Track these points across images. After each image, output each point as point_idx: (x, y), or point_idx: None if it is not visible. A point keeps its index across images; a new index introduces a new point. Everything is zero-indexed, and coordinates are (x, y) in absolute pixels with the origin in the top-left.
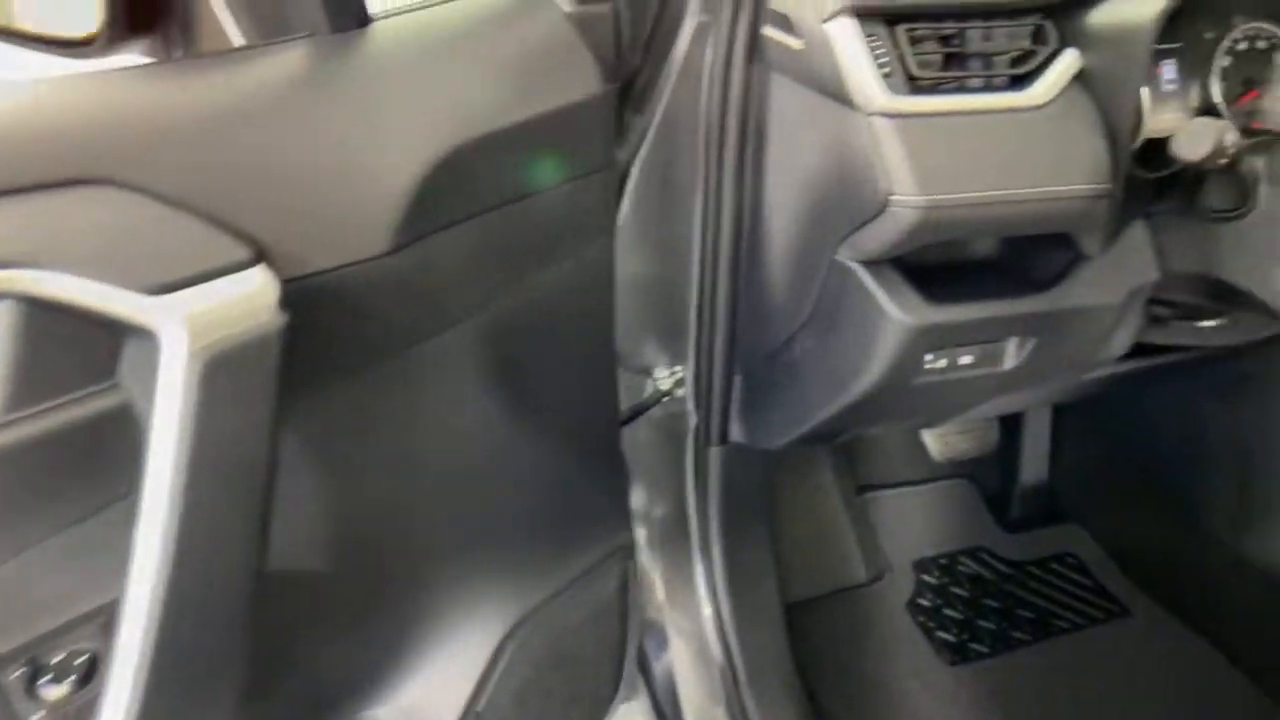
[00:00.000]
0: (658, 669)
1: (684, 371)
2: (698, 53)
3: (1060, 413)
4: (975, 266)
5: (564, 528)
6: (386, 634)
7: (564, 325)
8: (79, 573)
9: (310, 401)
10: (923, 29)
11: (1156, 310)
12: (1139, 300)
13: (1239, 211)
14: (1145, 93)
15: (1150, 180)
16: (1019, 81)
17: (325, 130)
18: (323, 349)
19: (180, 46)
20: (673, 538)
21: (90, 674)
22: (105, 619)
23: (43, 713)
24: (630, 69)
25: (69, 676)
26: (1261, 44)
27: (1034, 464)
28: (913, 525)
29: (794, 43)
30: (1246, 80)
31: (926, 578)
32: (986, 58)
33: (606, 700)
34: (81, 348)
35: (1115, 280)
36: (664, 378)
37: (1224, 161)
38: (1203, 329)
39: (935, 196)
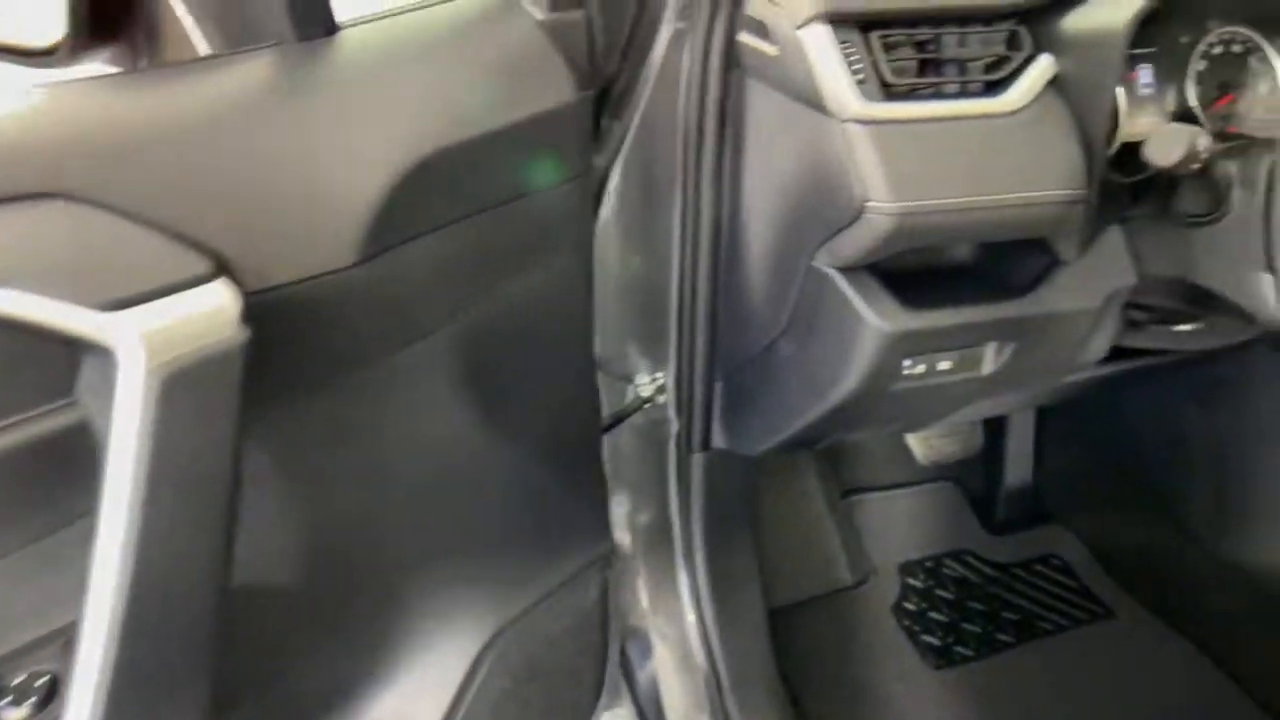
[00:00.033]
0: (641, 676)
1: (665, 378)
2: (675, 59)
3: (1044, 415)
4: (953, 271)
5: (542, 537)
6: (361, 646)
7: (540, 333)
8: (39, 593)
9: (278, 414)
10: (897, 35)
11: (1133, 314)
12: (1116, 304)
13: (1213, 216)
14: (1122, 97)
15: (1126, 185)
16: (993, 87)
17: (290, 140)
18: (290, 362)
19: (146, 55)
20: (656, 544)
21: (51, 695)
22: (66, 639)
23: None
24: (608, 75)
25: (29, 698)
26: (1236, 48)
27: (1018, 466)
28: (898, 528)
29: (769, 49)
30: (1222, 84)
31: (912, 581)
32: (961, 63)
33: (587, 711)
34: (38, 365)
35: (1092, 285)
36: (645, 384)
37: (1196, 167)
38: (1179, 333)
39: (910, 203)
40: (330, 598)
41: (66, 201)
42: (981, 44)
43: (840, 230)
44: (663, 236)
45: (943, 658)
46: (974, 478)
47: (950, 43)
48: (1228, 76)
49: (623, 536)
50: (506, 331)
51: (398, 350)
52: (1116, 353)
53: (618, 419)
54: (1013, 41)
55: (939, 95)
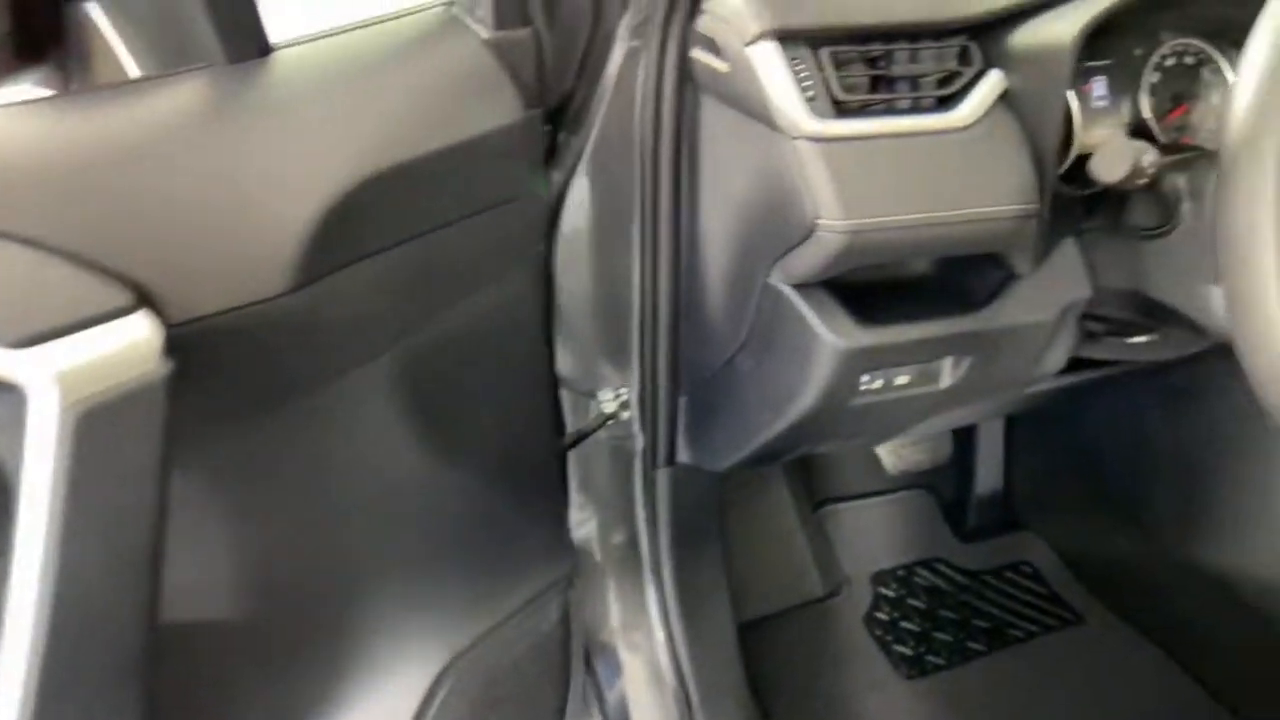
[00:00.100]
0: (611, 695)
1: (629, 393)
2: (630, 75)
3: (1013, 423)
4: (911, 285)
5: (500, 560)
6: (311, 678)
7: (493, 352)
8: None
9: (215, 444)
10: (848, 51)
11: (1090, 326)
12: (1072, 317)
13: (1164, 229)
14: (1077, 109)
15: (1080, 198)
16: (945, 103)
17: (219, 165)
18: (224, 391)
19: (77, 78)
20: (625, 561)
21: None
22: None
23: None
24: (564, 90)
25: None
26: (1189, 60)
27: (989, 473)
28: (870, 538)
29: (720, 66)
30: (1176, 95)
31: (884, 590)
32: (913, 80)
33: None
34: None
35: (1047, 298)
36: (608, 400)
37: (1143, 182)
38: (1134, 345)
39: (861, 220)
40: (277, 628)
41: None
42: (933, 60)
43: (793, 248)
44: (623, 251)
45: (914, 667)
46: (946, 485)
47: (902, 59)
48: (1181, 88)
49: (592, 553)
50: (457, 352)
51: (339, 376)
52: (1076, 363)
53: (581, 436)
54: (964, 57)
55: (891, 111)
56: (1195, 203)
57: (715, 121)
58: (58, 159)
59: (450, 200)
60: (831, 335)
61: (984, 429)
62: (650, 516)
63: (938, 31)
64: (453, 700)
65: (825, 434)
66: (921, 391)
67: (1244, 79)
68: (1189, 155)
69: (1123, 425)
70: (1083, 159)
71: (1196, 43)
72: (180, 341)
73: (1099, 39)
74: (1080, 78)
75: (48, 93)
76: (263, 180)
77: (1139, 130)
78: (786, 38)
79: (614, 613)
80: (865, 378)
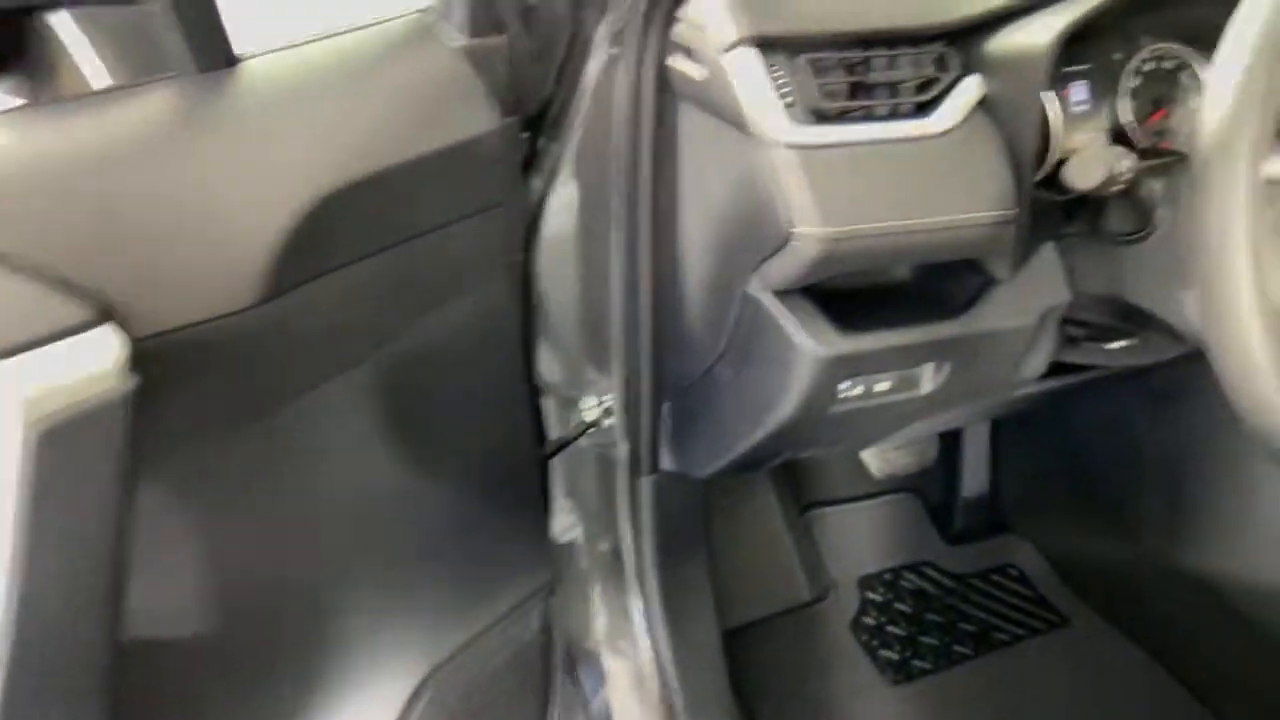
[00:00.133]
0: (594, 703)
1: (611, 401)
2: (608, 82)
3: (999, 425)
4: (891, 290)
5: (479, 569)
6: (286, 691)
7: (469, 362)
8: None
9: (187, 458)
10: (826, 58)
11: (1070, 330)
12: (1051, 322)
13: (1141, 234)
14: (1057, 114)
15: (1059, 203)
16: (923, 109)
17: (186, 176)
18: (193, 406)
19: (46, 88)
20: (610, 568)
21: None
22: None
23: None
24: (543, 96)
25: None
26: (1168, 64)
27: (975, 476)
28: (857, 541)
29: (697, 73)
30: (1156, 99)
31: (871, 595)
32: (892, 86)
33: None
34: None
35: (1027, 303)
36: (591, 407)
37: (1118, 189)
38: (1113, 350)
39: (838, 228)
40: (252, 642)
41: None
42: (912, 66)
43: (770, 256)
44: (603, 258)
45: (900, 672)
46: (933, 489)
47: (880, 65)
48: (1161, 92)
49: (577, 560)
50: (435, 361)
51: (313, 387)
52: (1058, 368)
53: (563, 443)
54: (941, 63)
55: (869, 118)
56: (1172, 208)
57: (693, 129)
58: (21, 170)
59: (425, 209)
60: (810, 342)
61: (970, 432)
62: (634, 524)
63: (916, 37)
64: (431, 712)
65: (806, 441)
66: (902, 398)
67: (1214, 84)
68: (1166, 160)
69: (1108, 428)
70: (1064, 164)
71: (1175, 47)
72: (147, 355)
73: (1078, 44)
74: (1060, 82)
75: (13, 103)
76: (231, 190)
77: (1118, 135)
78: (764, 44)
79: (598, 620)
80: (845, 385)
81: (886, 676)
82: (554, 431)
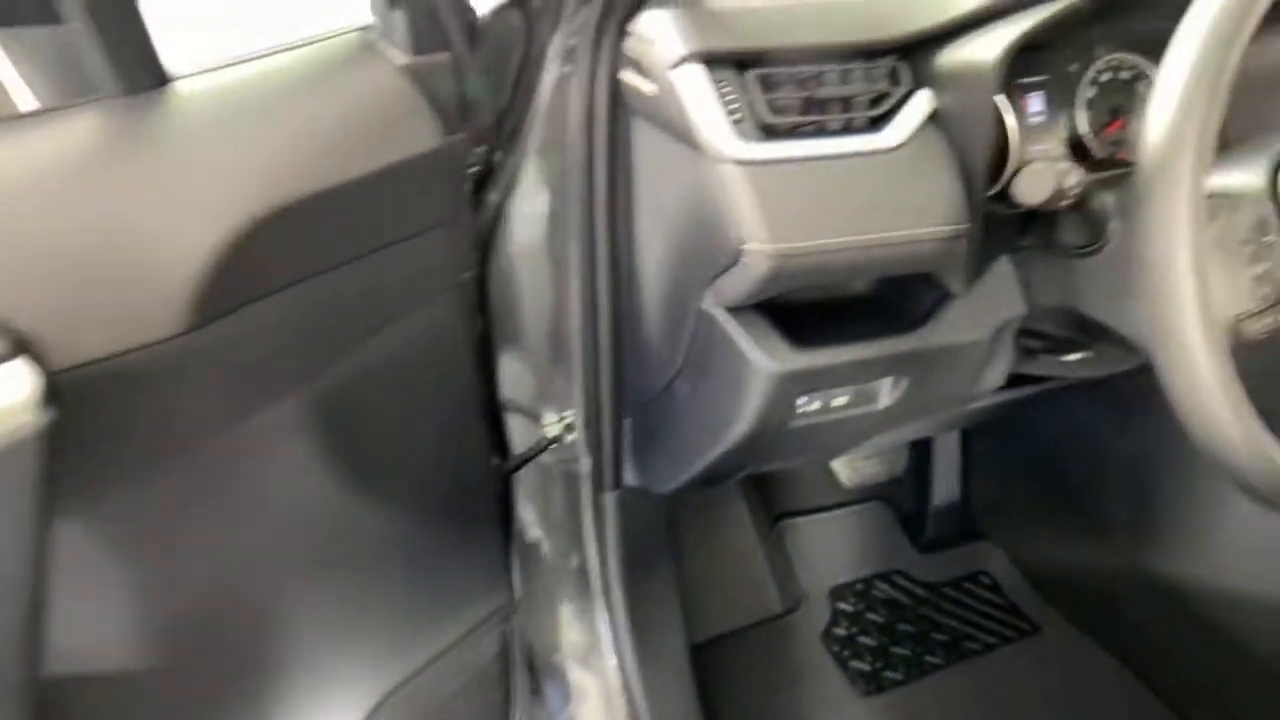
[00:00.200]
0: None
1: (573, 416)
2: (562, 97)
3: (970, 433)
4: (848, 304)
5: (434, 592)
6: None
7: (418, 383)
8: None
9: (111, 495)
10: (778, 74)
11: (1027, 343)
12: (1008, 335)
13: (1094, 247)
14: (1014, 125)
15: (1013, 216)
16: (876, 124)
17: (107, 202)
18: (116, 439)
19: None
20: (577, 584)
21: None
22: None
23: None
24: (499, 109)
25: None
26: (1125, 74)
27: (946, 484)
28: (829, 551)
29: (647, 88)
30: (1114, 109)
31: (842, 605)
32: (845, 101)
33: None
34: None
35: (982, 317)
36: (551, 423)
37: (1067, 203)
38: (1069, 362)
39: (788, 244)
40: (195, 675)
41: None
42: (864, 81)
43: (722, 272)
44: (563, 273)
45: (871, 683)
46: (904, 497)
47: (832, 80)
48: (1118, 102)
49: (544, 576)
50: (380, 384)
51: (247, 415)
52: (1017, 379)
53: (523, 460)
54: (893, 77)
55: (820, 133)
56: (1124, 220)
57: (646, 144)
58: None
59: (365, 231)
60: (764, 359)
61: (941, 441)
62: (599, 539)
63: (868, 52)
64: None
65: (766, 456)
66: (860, 412)
67: (1157, 98)
68: (1119, 172)
69: (1078, 436)
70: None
71: (1131, 57)
72: (65, 388)
73: (1034, 54)
74: (1017, 93)
75: None
76: (155, 216)
77: (1076, 146)
78: (712, 60)
79: (566, 635)
80: (802, 400)
81: (858, 688)
82: (519, 448)
